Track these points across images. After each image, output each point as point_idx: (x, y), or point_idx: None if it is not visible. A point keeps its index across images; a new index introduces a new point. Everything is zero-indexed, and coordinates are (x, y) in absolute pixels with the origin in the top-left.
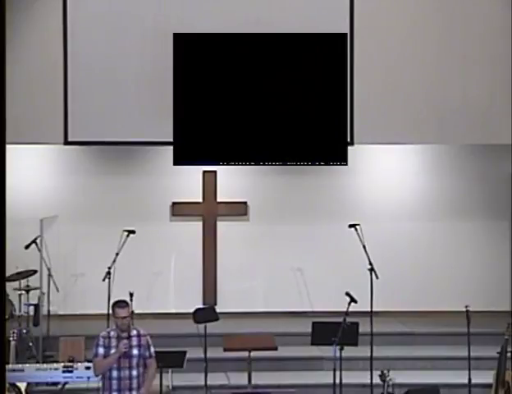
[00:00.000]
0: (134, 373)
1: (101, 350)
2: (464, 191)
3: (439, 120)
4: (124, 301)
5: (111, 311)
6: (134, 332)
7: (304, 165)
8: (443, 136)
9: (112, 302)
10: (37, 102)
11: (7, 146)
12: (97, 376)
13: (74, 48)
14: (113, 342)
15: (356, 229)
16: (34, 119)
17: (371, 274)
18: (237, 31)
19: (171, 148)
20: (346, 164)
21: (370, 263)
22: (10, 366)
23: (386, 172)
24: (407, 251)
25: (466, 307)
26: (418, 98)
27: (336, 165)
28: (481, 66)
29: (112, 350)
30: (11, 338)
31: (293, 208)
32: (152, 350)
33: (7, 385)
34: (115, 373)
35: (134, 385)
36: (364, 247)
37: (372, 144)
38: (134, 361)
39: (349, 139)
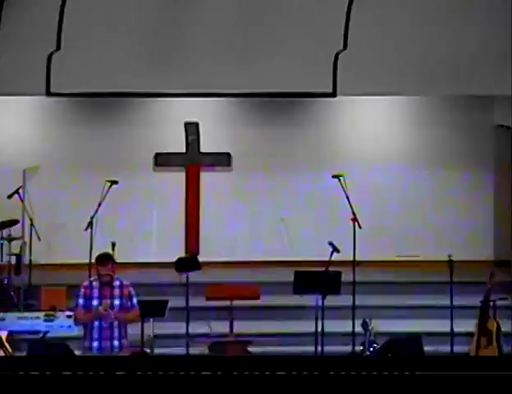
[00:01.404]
0: (115, 322)
1: (81, 301)
2: (448, 142)
3: (422, 71)
4: (106, 256)
5: (94, 261)
6: (117, 283)
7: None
8: (426, 87)
9: (94, 253)
10: (19, 53)
11: None
12: (84, 326)
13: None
14: (95, 293)
15: (339, 179)
16: (15, 70)
17: (354, 224)
18: None
19: (155, 99)
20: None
21: (353, 213)
22: None
23: (370, 123)
24: (390, 201)
25: (449, 256)
26: (402, 50)
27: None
28: (465, 17)
29: (94, 301)
30: None
31: (277, 158)
32: (134, 300)
33: None
34: (96, 323)
35: (116, 334)
36: (347, 197)
37: (355, 95)
38: (116, 311)
39: (331, 91)
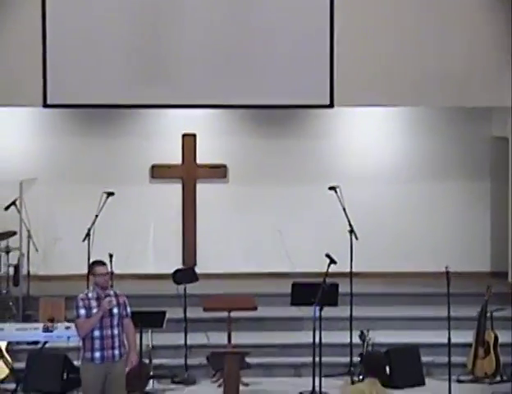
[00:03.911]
0: (116, 331)
1: (83, 312)
2: (443, 153)
3: (418, 83)
4: (102, 261)
5: (90, 268)
6: (111, 293)
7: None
8: (422, 99)
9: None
10: (15, 64)
11: None
12: (82, 338)
13: (52, 10)
14: (93, 303)
15: (336, 191)
16: (12, 82)
17: (351, 236)
18: None
19: (151, 110)
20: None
21: (350, 225)
22: None
23: (365, 135)
24: (387, 213)
25: (446, 268)
26: (398, 61)
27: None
28: (459, 29)
29: (94, 310)
30: None
31: (273, 170)
32: (128, 309)
33: None
34: (97, 333)
35: (116, 343)
36: (344, 209)
37: (353, 106)
38: (116, 320)
39: (329, 102)
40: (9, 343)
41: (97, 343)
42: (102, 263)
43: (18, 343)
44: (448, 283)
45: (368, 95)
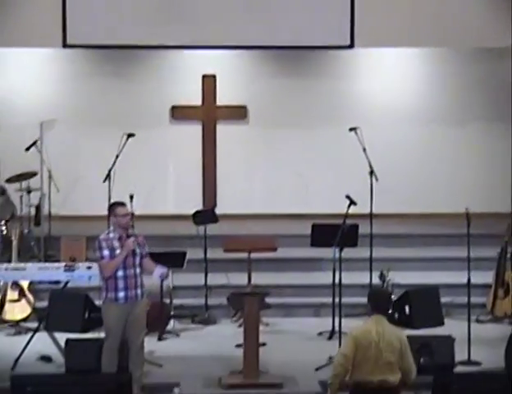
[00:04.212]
0: (138, 271)
1: (106, 252)
2: (464, 95)
3: (439, 23)
4: (122, 202)
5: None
6: (130, 232)
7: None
8: (443, 39)
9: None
10: (35, 4)
11: (6, 50)
12: (106, 278)
13: None
14: (115, 244)
15: (356, 132)
16: (32, 22)
17: (371, 177)
18: None
19: (171, 51)
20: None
21: (370, 166)
22: (12, 265)
23: (385, 77)
24: (407, 154)
25: (466, 208)
26: (419, 1)
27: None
28: None
29: (117, 251)
30: (13, 238)
31: (293, 112)
32: (146, 249)
33: (10, 283)
34: (121, 273)
35: (139, 283)
36: (364, 150)
37: (373, 46)
38: (138, 259)
39: (349, 43)
40: (31, 283)
41: (120, 283)
42: (123, 204)
43: (40, 283)
44: (468, 224)
45: (389, 36)
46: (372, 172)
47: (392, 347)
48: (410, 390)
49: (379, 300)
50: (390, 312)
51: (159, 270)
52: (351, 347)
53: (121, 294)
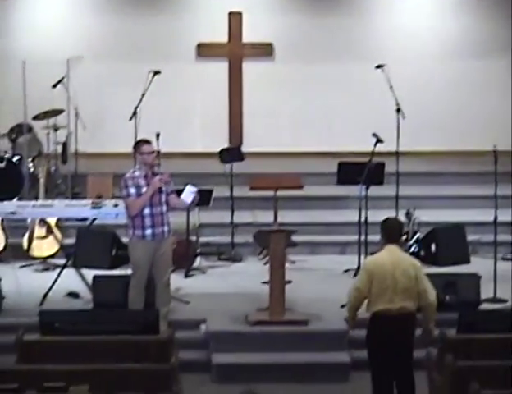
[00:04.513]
0: (164, 208)
1: (133, 190)
2: (490, 31)
3: None
4: (147, 139)
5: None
6: (156, 170)
7: None
8: None
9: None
10: None
11: None
12: (133, 216)
13: None
14: (141, 182)
15: (383, 70)
16: None
17: (397, 114)
18: None
19: None
20: None
21: (397, 104)
22: (39, 202)
23: (412, 13)
24: (434, 91)
25: (494, 146)
26: None
27: None
28: None
29: (143, 189)
30: (40, 175)
31: (319, 49)
32: (172, 186)
33: (38, 220)
34: (147, 211)
35: (165, 220)
36: (391, 87)
37: None
38: (164, 197)
39: None
40: (58, 219)
41: (148, 220)
42: (148, 142)
43: (67, 220)
44: (495, 161)
45: None
46: (398, 110)
47: (407, 275)
48: (436, 326)
49: (391, 230)
50: (402, 239)
51: (190, 192)
52: (365, 280)
53: (148, 231)
